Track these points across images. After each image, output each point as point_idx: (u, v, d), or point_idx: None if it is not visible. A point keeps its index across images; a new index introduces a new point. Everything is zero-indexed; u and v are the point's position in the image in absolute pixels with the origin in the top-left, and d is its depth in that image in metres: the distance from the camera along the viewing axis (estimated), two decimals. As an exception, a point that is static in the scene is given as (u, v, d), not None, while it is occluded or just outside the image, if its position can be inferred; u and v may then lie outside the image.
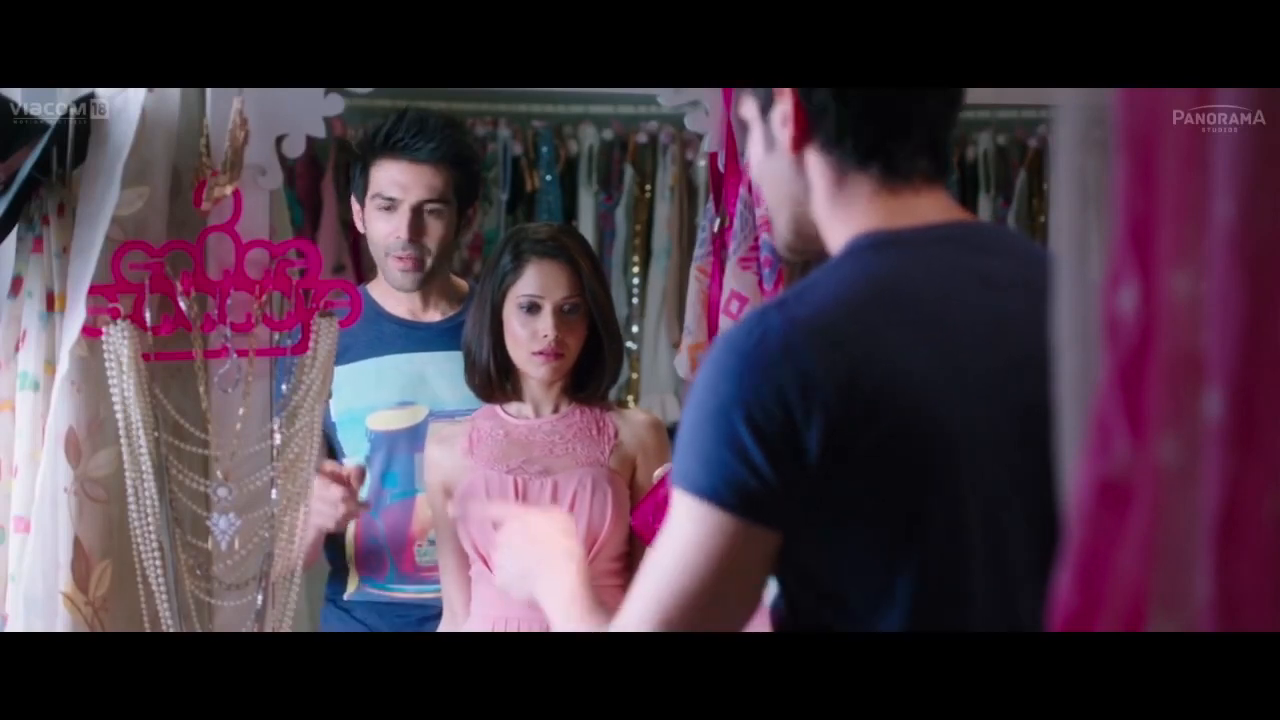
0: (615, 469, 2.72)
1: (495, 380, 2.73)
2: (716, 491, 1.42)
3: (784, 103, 1.53)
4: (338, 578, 3.03)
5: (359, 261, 5.34)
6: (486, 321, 2.71)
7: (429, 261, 2.92)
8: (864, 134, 1.51)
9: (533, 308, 2.68)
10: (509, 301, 2.70)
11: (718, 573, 1.44)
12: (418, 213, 2.89)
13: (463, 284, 3.11)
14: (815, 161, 1.54)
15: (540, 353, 2.68)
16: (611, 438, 2.74)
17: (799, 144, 1.53)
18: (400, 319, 2.99)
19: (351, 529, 2.96)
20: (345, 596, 3.00)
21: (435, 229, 2.92)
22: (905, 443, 1.42)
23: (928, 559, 1.45)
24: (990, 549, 1.47)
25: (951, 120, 1.56)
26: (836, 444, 1.40)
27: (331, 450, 2.97)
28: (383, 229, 2.92)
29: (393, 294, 2.98)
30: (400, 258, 2.91)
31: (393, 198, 2.89)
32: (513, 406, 2.76)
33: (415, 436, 2.91)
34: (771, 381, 1.40)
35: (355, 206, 3.01)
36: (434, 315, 3.01)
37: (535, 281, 2.69)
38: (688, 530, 1.45)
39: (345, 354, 2.92)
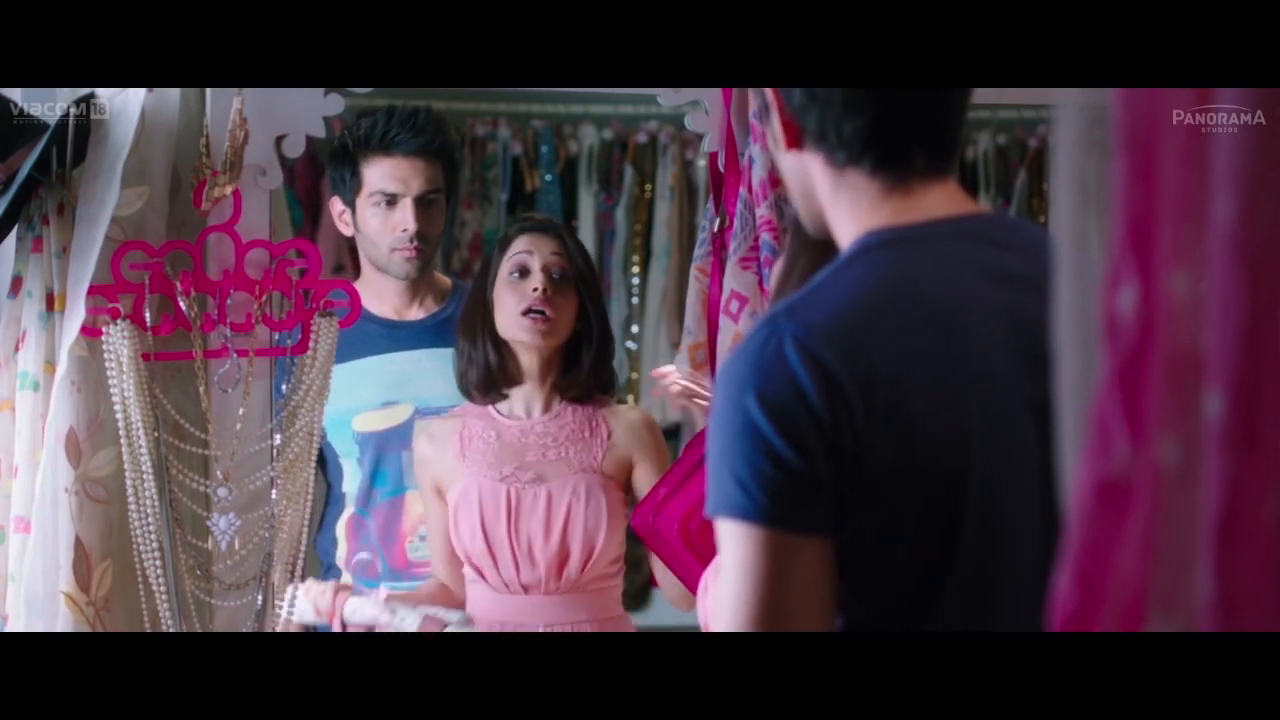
0: (609, 474, 2.71)
1: (495, 371, 2.71)
2: (762, 510, 1.39)
3: (773, 105, 1.54)
4: (330, 577, 3.03)
5: (359, 261, 5.33)
6: (479, 313, 2.72)
7: (429, 251, 3.02)
8: (845, 130, 1.48)
9: (523, 271, 2.68)
10: (499, 280, 2.70)
11: (779, 592, 1.40)
12: (421, 204, 2.96)
13: (445, 280, 3.16)
14: (812, 159, 1.52)
15: (528, 310, 2.65)
16: (604, 439, 2.72)
17: (791, 143, 1.53)
18: (384, 319, 3.01)
19: (343, 528, 2.97)
20: None
21: (436, 219, 3.02)
22: (923, 448, 1.41)
23: (957, 564, 1.43)
24: (1010, 552, 1.46)
25: (952, 109, 1.52)
26: (864, 443, 1.39)
27: (323, 454, 2.97)
28: (384, 224, 2.97)
29: (377, 294, 3.01)
30: (406, 249, 2.97)
31: (395, 193, 2.95)
32: (504, 405, 2.75)
33: (403, 435, 2.92)
34: (794, 386, 1.38)
35: (337, 206, 3.04)
36: (418, 313, 3.05)
37: (523, 243, 2.70)
38: (741, 556, 1.41)
39: None
